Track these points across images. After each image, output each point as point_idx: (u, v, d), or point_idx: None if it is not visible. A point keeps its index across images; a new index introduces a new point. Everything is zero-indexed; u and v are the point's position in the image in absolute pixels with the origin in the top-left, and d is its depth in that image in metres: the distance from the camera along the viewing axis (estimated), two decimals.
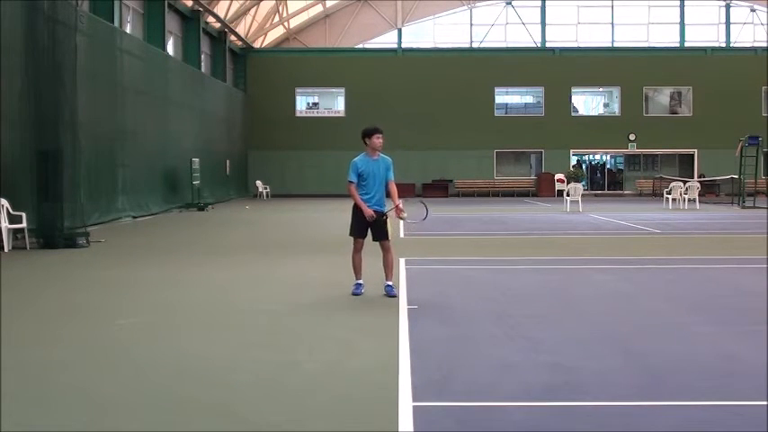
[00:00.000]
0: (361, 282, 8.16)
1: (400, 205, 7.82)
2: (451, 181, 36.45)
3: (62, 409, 4.40)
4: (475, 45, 38.23)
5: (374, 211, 7.91)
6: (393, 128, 36.68)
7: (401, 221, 8.34)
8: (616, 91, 37.75)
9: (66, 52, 13.85)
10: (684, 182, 27.24)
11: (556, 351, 5.71)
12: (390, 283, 8.08)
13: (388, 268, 8.05)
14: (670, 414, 4.30)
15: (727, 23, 38.47)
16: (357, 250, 8.10)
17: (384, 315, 7.10)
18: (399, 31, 38.41)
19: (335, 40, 38.93)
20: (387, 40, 38.94)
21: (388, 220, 8.01)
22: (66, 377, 5.06)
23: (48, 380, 4.98)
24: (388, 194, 8.08)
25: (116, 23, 21.37)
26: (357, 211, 8.01)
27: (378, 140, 7.96)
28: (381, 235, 7.97)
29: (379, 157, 8.01)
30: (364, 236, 8.06)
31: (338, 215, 22.32)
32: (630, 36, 38.34)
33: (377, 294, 8.08)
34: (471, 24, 38.32)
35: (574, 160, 38.18)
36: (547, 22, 38.12)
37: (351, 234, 8.15)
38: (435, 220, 20.69)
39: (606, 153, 39.28)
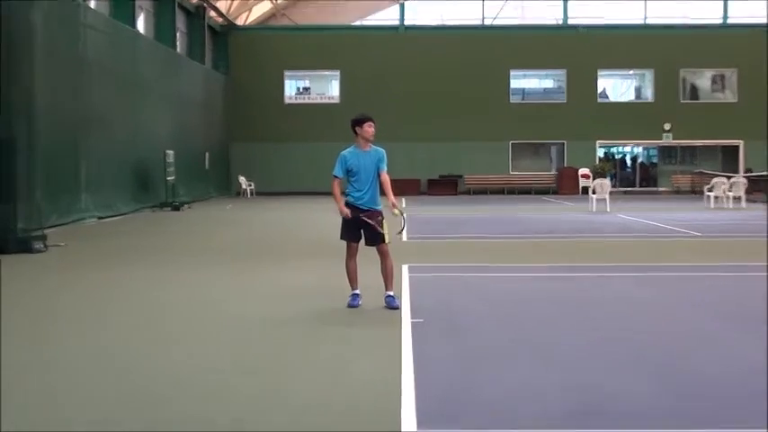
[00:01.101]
0: (357, 292, 8.13)
1: (395, 203, 7.79)
2: (461, 176, 36.44)
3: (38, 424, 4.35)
4: (487, 22, 38.19)
5: (369, 210, 7.88)
6: (394, 117, 36.81)
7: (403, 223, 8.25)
8: (649, 74, 37.73)
9: (20, 29, 13.81)
10: (728, 177, 27.20)
11: (579, 370, 5.67)
12: (391, 293, 8.05)
13: (388, 277, 8.03)
14: None
15: None
16: (350, 256, 8.06)
17: (384, 330, 7.06)
18: (402, 6, 38.32)
19: (329, 16, 38.90)
20: (387, 17, 38.89)
21: (384, 220, 7.96)
22: (36, 393, 5.01)
23: (18, 396, 4.93)
24: (383, 192, 8.03)
25: None
26: (350, 208, 7.99)
27: (369, 129, 7.98)
28: (375, 239, 7.94)
29: (370, 149, 8.02)
30: (357, 239, 8.03)
31: (333, 216, 22.27)
32: (665, 11, 38.28)
33: (376, 306, 8.04)
34: None
35: (600, 153, 38.17)
36: None
37: (341, 238, 8.13)
38: (443, 221, 20.68)
39: (637, 145, 39.26)
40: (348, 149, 8.07)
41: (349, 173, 7.96)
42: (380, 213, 7.98)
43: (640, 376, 5.54)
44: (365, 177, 7.92)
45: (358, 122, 8.01)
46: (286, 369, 5.85)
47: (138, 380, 5.53)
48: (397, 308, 7.89)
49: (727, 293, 9.26)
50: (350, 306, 8.01)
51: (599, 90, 37.82)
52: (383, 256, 7.99)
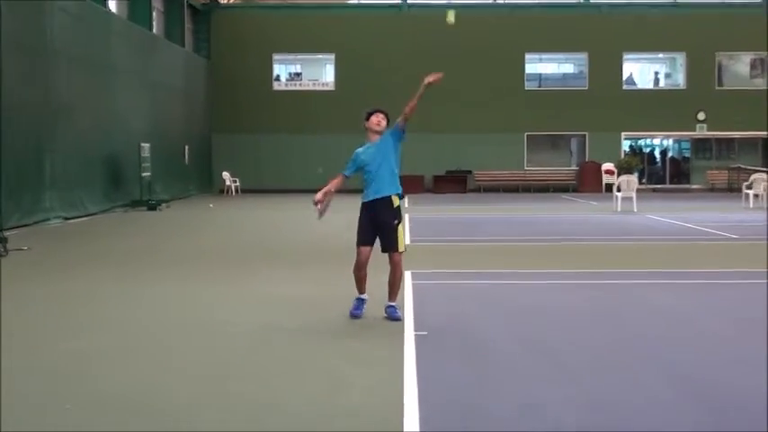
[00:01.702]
0: (364, 297, 8.19)
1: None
2: (470, 172, 36.48)
3: None
4: (500, 0, 38.21)
5: (386, 197, 7.95)
6: (395, 106, 36.50)
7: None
8: (680, 58, 37.76)
9: None
10: None
11: (599, 386, 5.70)
12: (394, 303, 8.09)
13: (394, 286, 8.08)
14: None
15: None
16: (360, 265, 8.07)
17: (385, 343, 7.09)
18: None
19: None
20: None
21: (399, 226, 8.02)
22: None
23: None
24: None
25: None
26: (362, 211, 8.11)
27: (374, 119, 8.13)
28: (390, 243, 8.01)
29: (382, 137, 8.15)
30: (370, 243, 8.08)
31: (331, 216, 22.29)
32: None
33: (377, 316, 8.08)
34: None
35: (626, 146, 38.19)
36: None
37: (357, 243, 8.15)
38: (450, 222, 20.71)
39: (668, 137, 39.28)
40: (362, 148, 8.26)
41: (364, 171, 8.09)
42: (398, 215, 8.03)
43: (668, 397, 5.57)
44: (383, 172, 8.01)
45: (366, 119, 8.19)
46: (278, 382, 5.89)
47: (107, 398, 5.56)
48: (399, 319, 7.92)
49: (763, 302, 9.27)
50: (352, 316, 8.07)
51: (625, 76, 37.84)
52: (394, 265, 8.04)
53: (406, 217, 21.10)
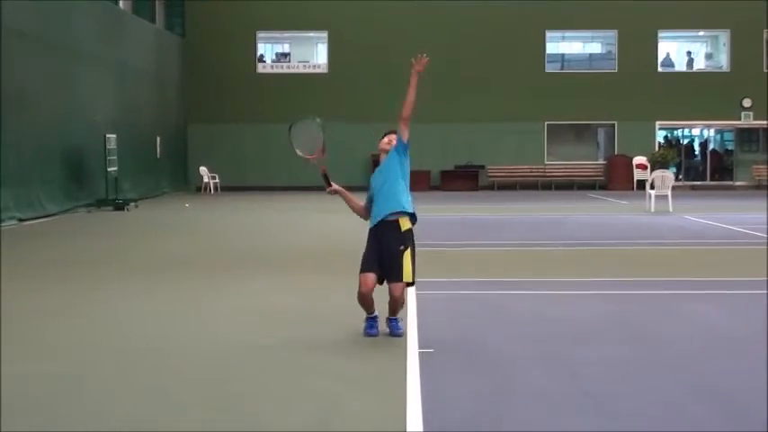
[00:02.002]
0: (375, 314, 8.15)
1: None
2: (482, 167, 36.49)
3: None
4: None
5: (393, 213, 8.00)
6: (396, 91, 36.51)
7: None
8: (723, 35, 37.77)
9: None
10: None
11: (633, 414, 5.74)
12: (395, 317, 8.15)
13: (394, 305, 8.10)
14: None
15: None
16: (363, 296, 8.01)
17: (386, 361, 7.14)
18: None
19: None
20: None
21: (406, 252, 7.94)
22: None
23: None
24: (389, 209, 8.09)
25: None
26: (369, 236, 8.17)
27: (386, 139, 8.33)
28: (391, 272, 7.96)
29: (387, 156, 8.29)
30: (374, 270, 7.99)
31: (321, 216, 22.34)
32: None
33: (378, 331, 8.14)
34: None
35: (661, 137, 38.19)
36: None
37: (361, 271, 8.11)
38: (460, 224, 20.74)
39: (708, 127, 39.30)
40: None
41: (371, 200, 8.27)
42: (405, 240, 8.00)
43: (709, 419, 5.61)
44: (379, 189, 8.14)
45: (381, 139, 8.40)
46: (265, 405, 5.93)
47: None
48: (401, 335, 7.98)
49: None
50: (368, 335, 8.07)
51: (661, 57, 37.82)
52: (393, 299, 8.00)
53: None
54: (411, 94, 8.15)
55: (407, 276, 7.94)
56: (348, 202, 8.45)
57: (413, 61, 8.31)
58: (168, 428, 5.51)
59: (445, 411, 5.80)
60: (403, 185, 8.08)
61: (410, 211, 8.05)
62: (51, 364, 7.28)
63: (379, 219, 8.03)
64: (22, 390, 6.46)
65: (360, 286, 7.96)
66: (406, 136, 8.09)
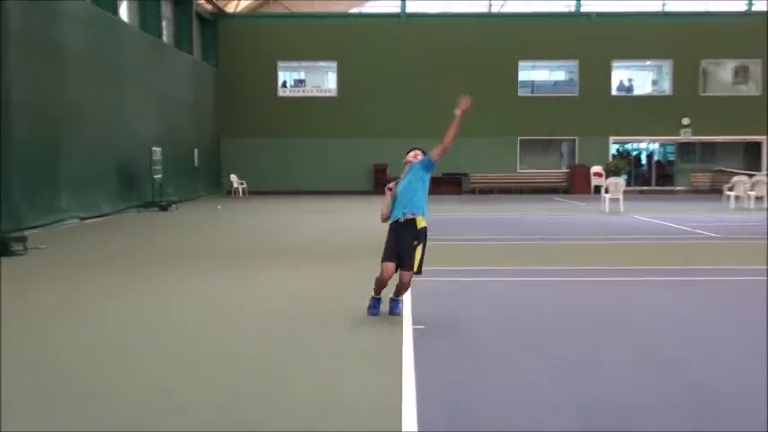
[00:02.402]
0: (380, 297, 8.23)
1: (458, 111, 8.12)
2: (466, 175, 36.49)
3: None
4: (494, 9, 38.25)
5: (410, 214, 7.92)
6: (395, 111, 36.94)
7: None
8: (667, 65, 37.77)
9: None
10: (750, 176, 27.26)
11: (594, 382, 5.74)
12: (397, 298, 8.16)
13: (402, 288, 8.09)
14: None
15: None
16: (382, 282, 8.01)
17: (383, 338, 7.14)
18: None
19: (325, 3, 38.96)
20: (387, 4, 38.95)
21: (418, 247, 7.88)
22: (12, 406, 5.10)
23: None
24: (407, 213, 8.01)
25: None
26: (389, 230, 8.08)
27: (411, 153, 8.22)
28: (404, 262, 7.91)
29: (408, 168, 8.19)
30: (394, 260, 7.94)
31: (332, 217, 22.35)
32: None
33: (379, 311, 8.14)
34: None
35: (614, 150, 38.20)
36: None
37: (383, 260, 8.04)
38: (447, 222, 20.73)
39: (654, 141, 39.30)
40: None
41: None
42: (420, 236, 7.91)
43: (659, 386, 5.61)
44: (399, 192, 8.04)
45: (407, 153, 8.26)
46: (277, 377, 5.92)
47: (115, 394, 5.61)
48: (399, 314, 8.02)
49: (744, 299, 9.32)
50: (370, 314, 8.09)
51: (615, 83, 37.79)
52: (402, 284, 7.98)
53: None
54: (453, 129, 8.07)
55: (416, 267, 7.91)
56: (385, 203, 8.18)
57: (458, 101, 8.25)
58: (209, 381, 5.52)
59: (436, 381, 5.80)
60: (422, 194, 8.01)
61: (425, 215, 8.00)
62: (111, 334, 7.29)
63: (399, 216, 7.96)
64: (86, 352, 6.47)
65: (381, 272, 7.93)
66: (435, 156, 7.98)
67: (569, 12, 38.06)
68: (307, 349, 6.79)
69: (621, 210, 23.02)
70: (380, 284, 8.07)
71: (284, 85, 38.01)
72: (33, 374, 6.04)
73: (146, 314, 8.50)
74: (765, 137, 37.07)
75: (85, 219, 20.44)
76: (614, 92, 37.66)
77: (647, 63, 38.99)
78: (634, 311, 8.54)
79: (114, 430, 4.79)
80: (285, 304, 8.88)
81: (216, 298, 9.44)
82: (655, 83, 39.19)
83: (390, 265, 7.94)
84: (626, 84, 38.66)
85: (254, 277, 11.05)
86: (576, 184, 36.03)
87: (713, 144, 38.10)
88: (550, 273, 11.33)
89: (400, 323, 7.65)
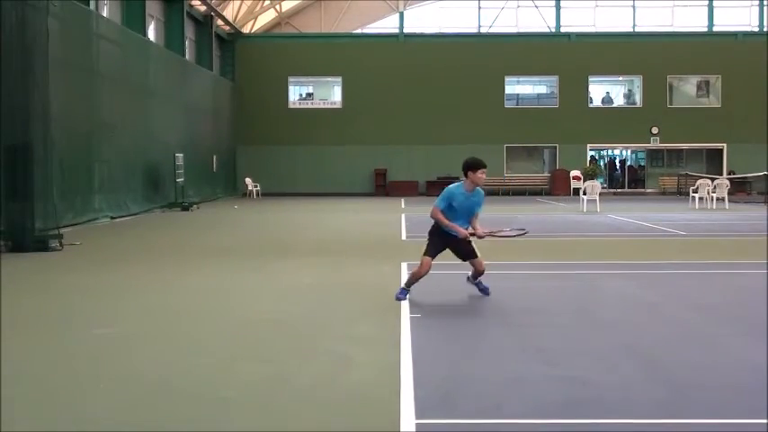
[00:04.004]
0: (409, 290, 8.18)
1: (479, 231, 8.09)
2: (458, 178, 36.25)
3: (37, 425, 4.38)
4: (483, 30, 38.21)
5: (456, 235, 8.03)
6: (394, 121, 36.91)
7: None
8: (637, 80, 37.74)
9: (36, 36, 13.81)
10: (712, 179, 27.24)
11: (572, 364, 5.70)
12: (480, 280, 8.38)
13: (481, 271, 8.26)
14: None
15: (761, 5, 38.37)
16: (421, 275, 8.07)
17: (384, 324, 7.10)
18: (401, 14, 38.37)
19: (331, 24, 38.93)
20: (387, 25, 38.93)
21: (471, 242, 8.17)
22: (39, 392, 5.04)
23: (20, 395, 4.95)
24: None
25: (92, 6, 21.35)
26: (435, 233, 8.12)
27: (482, 176, 8.02)
28: (469, 253, 8.16)
29: (474, 191, 8.10)
30: (433, 257, 8.12)
31: (338, 216, 22.31)
32: (653, 19, 38.31)
33: (375, 302, 8.09)
34: (479, 7, 38.30)
35: (591, 155, 38.16)
36: (561, 4, 38.09)
37: (425, 254, 8.10)
38: None
39: (626, 148, 39.28)
40: (456, 186, 8.13)
41: (449, 207, 8.00)
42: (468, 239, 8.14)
43: (631, 368, 5.57)
44: (460, 215, 8.02)
45: (472, 168, 8.00)
46: (290, 358, 5.88)
47: (146, 378, 5.56)
48: (490, 293, 8.32)
49: (710, 289, 9.29)
50: (398, 299, 8.02)
51: (593, 96, 37.79)
52: (478, 265, 8.20)
53: (402, 216, 21.12)
54: (446, 224, 8.05)
55: (478, 252, 8.16)
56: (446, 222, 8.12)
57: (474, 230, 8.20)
58: (219, 368, 5.49)
59: (431, 362, 5.76)
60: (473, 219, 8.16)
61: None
62: (138, 323, 7.25)
63: (456, 235, 8.04)
64: (107, 344, 6.44)
65: (422, 266, 7.99)
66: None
67: (550, 32, 38.02)
68: (314, 336, 6.75)
69: (598, 210, 22.98)
70: (417, 278, 8.06)
71: (294, 97, 37.96)
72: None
73: (162, 307, 8.45)
74: (725, 144, 37.09)
75: (115, 218, 20.40)
76: (591, 104, 37.60)
77: (620, 78, 38.94)
78: (608, 301, 8.49)
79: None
80: (293, 296, 8.83)
81: (229, 291, 9.39)
82: (627, 96, 39.12)
83: (431, 261, 8.04)
84: (610, 97, 38.56)
85: (267, 269, 10.99)
86: (557, 187, 35.99)
87: (679, 151, 38.10)
88: (532, 266, 11.28)
89: (398, 312, 7.59)
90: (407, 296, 8.12)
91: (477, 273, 8.26)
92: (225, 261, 11.99)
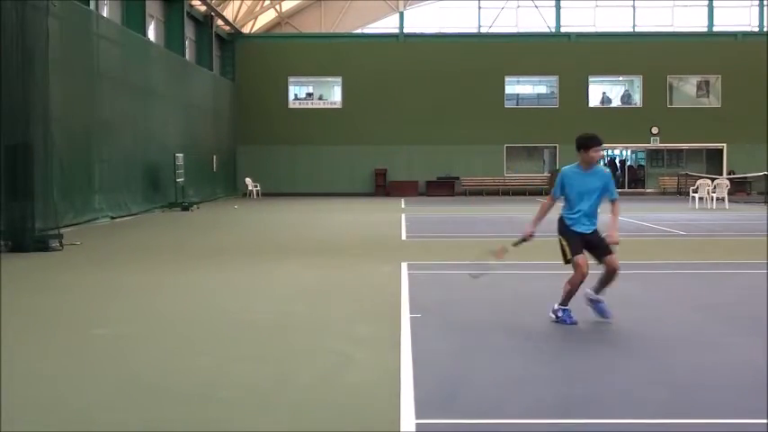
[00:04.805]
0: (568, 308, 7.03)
1: (615, 236, 7.07)
2: (458, 178, 36.43)
3: (36, 425, 4.38)
4: (483, 30, 38.19)
5: (591, 233, 7.16)
6: (394, 121, 36.89)
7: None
8: (637, 80, 37.72)
9: (36, 36, 13.81)
10: (712, 179, 27.22)
11: (572, 364, 5.69)
12: (602, 298, 7.14)
13: (604, 281, 7.10)
14: None
15: (761, 5, 38.35)
16: (584, 276, 6.95)
17: (384, 325, 7.09)
18: (401, 14, 38.35)
19: (332, 24, 38.91)
20: (387, 25, 38.91)
21: (602, 236, 7.20)
22: (39, 392, 5.04)
23: (20, 395, 4.95)
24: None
25: (92, 6, 21.34)
26: (564, 232, 7.29)
27: (597, 154, 7.21)
28: (604, 249, 7.07)
29: (593, 169, 7.23)
30: (583, 253, 7.07)
31: (338, 216, 22.30)
32: (653, 20, 38.30)
33: (375, 302, 8.08)
34: (479, 7, 38.28)
35: None
36: (561, 4, 38.07)
37: (571, 256, 7.11)
38: (440, 220, 20.72)
39: (626, 148, 39.27)
40: (570, 167, 7.37)
41: (563, 190, 7.28)
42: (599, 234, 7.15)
43: (631, 368, 5.57)
44: (579, 199, 7.14)
45: (586, 145, 7.21)
46: (291, 358, 5.88)
47: (143, 376, 5.55)
48: (609, 317, 7.05)
49: (710, 289, 9.28)
50: (573, 323, 6.92)
51: (592, 96, 37.76)
52: (614, 265, 7.06)
53: (403, 216, 21.10)
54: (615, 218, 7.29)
55: (613, 249, 7.11)
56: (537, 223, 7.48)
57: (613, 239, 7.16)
58: (219, 369, 5.47)
59: (431, 362, 5.75)
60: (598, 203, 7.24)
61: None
62: (135, 324, 7.24)
63: (581, 228, 7.22)
64: (109, 346, 6.42)
65: (579, 268, 6.94)
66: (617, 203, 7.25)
67: (550, 32, 38.00)
68: (316, 337, 6.74)
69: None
70: (577, 284, 6.95)
71: (294, 97, 37.92)
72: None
73: (158, 308, 8.44)
74: (725, 144, 37.08)
75: (116, 218, 20.39)
76: (591, 104, 37.57)
77: (620, 78, 38.92)
78: (610, 301, 8.48)
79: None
80: (293, 297, 8.82)
81: (226, 291, 9.37)
82: (627, 96, 39.10)
83: (585, 258, 7.03)
84: (608, 97, 38.53)
85: (266, 269, 10.98)
86: None
87: (679, 151, 38.10)
88: (533, 266, 11.26)
89: (399, 312, 7.57)
90: (571, 315, 6.96)
91: (609, 274, 7.01)
92: (225, 261, 11.98)
